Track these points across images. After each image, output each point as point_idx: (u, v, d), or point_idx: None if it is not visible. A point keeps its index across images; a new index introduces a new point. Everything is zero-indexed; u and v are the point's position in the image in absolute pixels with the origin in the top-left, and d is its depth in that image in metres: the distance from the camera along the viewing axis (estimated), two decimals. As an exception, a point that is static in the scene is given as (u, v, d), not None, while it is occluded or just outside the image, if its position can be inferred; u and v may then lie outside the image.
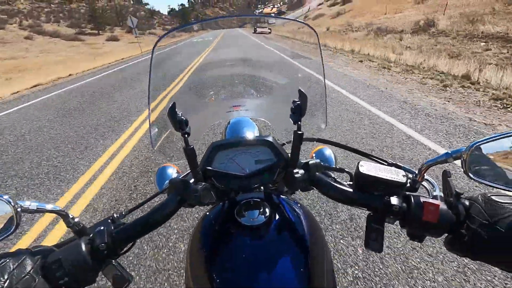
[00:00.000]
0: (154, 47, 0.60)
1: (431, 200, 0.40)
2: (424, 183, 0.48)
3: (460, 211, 0.39)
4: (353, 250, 1.75)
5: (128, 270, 0.52)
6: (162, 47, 0.63)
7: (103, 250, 0.40)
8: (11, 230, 0.39)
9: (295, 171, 0.51)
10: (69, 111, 6.04)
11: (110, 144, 3.95)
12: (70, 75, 12.26)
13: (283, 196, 0.58)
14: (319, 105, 0.72)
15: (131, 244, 0.46)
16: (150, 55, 0.61)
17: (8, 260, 0.34)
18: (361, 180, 0.45)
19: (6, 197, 0.39)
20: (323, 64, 0.67)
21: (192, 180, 0.53)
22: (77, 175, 3.13)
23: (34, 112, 6.16)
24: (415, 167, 0.52)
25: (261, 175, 0.55)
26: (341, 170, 0.57)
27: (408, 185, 0.46)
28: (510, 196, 0.37)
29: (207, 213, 0.57)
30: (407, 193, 0.44)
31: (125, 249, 0.45)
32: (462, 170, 0.41)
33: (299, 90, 0.52)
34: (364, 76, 6.89)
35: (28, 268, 0.35)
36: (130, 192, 2.68)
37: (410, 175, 0.48)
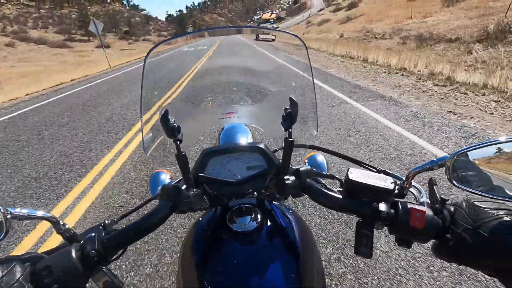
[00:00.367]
0: (146, 57, 0.59)
1: (417, 207, 0.41)
2: (412, 189, 0.48)
3: (446, 216, 0.40)
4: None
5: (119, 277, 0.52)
6: (155, 54, 0.57)
7: (94, 257, 0.40)
8: (0, 237, 0.38)
9: (286, 177, 0.51)
10: None
11: None
12: (26, 95, 8.97)
13: (275, 202, 0.58)
14: (311, 112, 0.71)
15: (122, 250, 0.45)
16: (143, 64, 0.59)
17: None
18: (350, 187, 0.46)
19: None
20: (312, 72, 0.67)
21: (184, 187, 0.53)
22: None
23: None
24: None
25: (252, 182, 0.55)
26: (332, 177, 0.58)
27: (396, 191, 0.46)
28: (492, 201, 0.38)
29: (200, 219, 0.57)
30: (395, 199, 0.45)
31: (115, 255, 0.45)
32: (446, 177, 0.42)
33: (290, 98, 0.53)
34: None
35: (18, 275, 0.35)
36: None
37: (398, 182, 0.48)
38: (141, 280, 1.63)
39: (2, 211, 0.37)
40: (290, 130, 0.52)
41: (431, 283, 1.49)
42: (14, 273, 0.35)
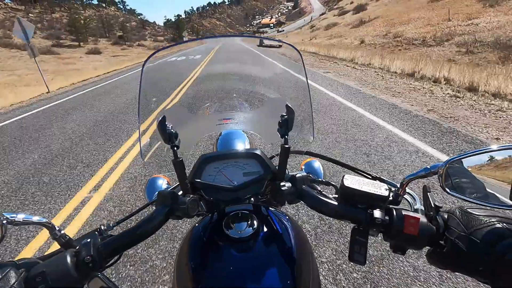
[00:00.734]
0: (144, 64, 0.60)
1: (411, 214, 0.42)
2: (406, 196, 0.49)
3: (439, 223, 0.40)
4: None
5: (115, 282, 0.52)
6: (152, 60, 0.59)
7: (89, 263, 0.39)
8: None
9: (282, 184, 0.52)
10: None
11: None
12: None
13: (271, 208, 0.58)
14: (307, 119, 0.72)
15: (117, 256, 0.45)
16: (140, 70, 0.60)
17: None
18: (345, 193, 0.46)
19: None
20: (307, 79, 0.67)
21: (181, 192, 0.54)
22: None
23: None
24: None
25: (249, 188, 0.56)
26: (327, 183, 0.58)
27: (391, 198, 0.46)
28: (485, 208, 0.39)
29: (196, 225, 0.57)
30: (390, 206, 0.45)
31: (111, 261, 0.44)
32: (439, 184, 0.43)
33: (287, 105, 0.54)
34: None
35: (12, 280, 0.34)
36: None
37: (393, 189, 0.48)
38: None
39: None
40: (286, 136, 0.53)
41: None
42: (8, 278, 0.34)
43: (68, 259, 0.38)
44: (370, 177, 0.54)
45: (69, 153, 3.65)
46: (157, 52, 0.62)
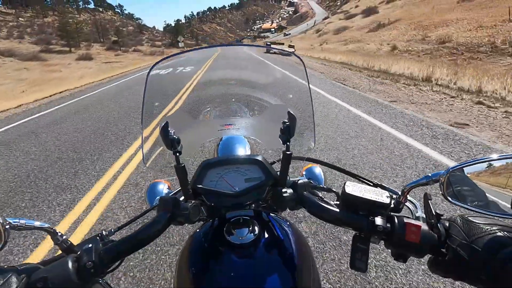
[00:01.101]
0: (149, 72, 0.61)
1: (413, 221, 0.42)
2: (407, 204, 0.49)
3: (441, 231, 0.40)
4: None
5: None
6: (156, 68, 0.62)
7: (90, 268, 0.39)
8: None
9: (283, 190, 0.52)
10: None
11: None
12: None
13: (273, 214, 0.58)
14: (309, 125, 0.72)
15: (118, 262, 0.45)
16: (146, 76, 0.61)
17: None
18: (347, 200, 0.46)
19: None
20: (309, 86, 0.68)
21: (182, 198, 0.54)
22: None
23: None
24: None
25: (250, 194, 0.56)
26: (329, 190, 0.58)
27: (392, 206, 0.46)
28: (486, 217, 0.39)
29: (197, 231, 0.57)
30: (391, 213, 0.45)
31: (112, 267, 0.44)
32: (441, 193, 0.43)
33: (288, 112, 0.53)
34: None
35: (13, 286, 0.35)
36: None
37: (394, 196, 0.48)
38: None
39: (0, 221, 0.37)
40: (288, 143, 0.53)
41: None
42: (9, 284, 0.34)
43: (70, 264, 0.38)
44: (372, 184, 0.54)
45: None
46: (162, 61, 0.63)
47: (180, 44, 42.37)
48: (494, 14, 14.57)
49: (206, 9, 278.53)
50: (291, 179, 0.56)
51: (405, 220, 0.42)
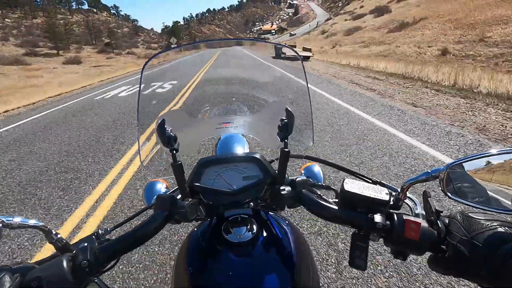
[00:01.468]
0: (142, 69, 0.61)
1: (412, 218, 0.41)
2: (407, 201, 0.48)
3: (441, 228, 0.40)
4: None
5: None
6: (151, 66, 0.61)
7: (85, 267, 0.39)
8: None
9: (282, 188, 0.51)
10: None
11: None
12: None
13: (271, 213, 0.58)
14: (307, 123, 0.72)
15: (114, 261, 0.45)
16: (140, 76, 0.61)
17: None
18: (346, 198, 0.46)
19: None
20: (307, 83, 0.68)
21: (179, 196, 0.53)
22: None
23: None
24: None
25: (248, 192, 0.55)
26: (328, 188, 0.59)
27: (392, 203, 0.46)
28: (486, 212, 0.39)
29: (195, 229, 0.57)
30: (391, 211, 0.45)
31: (108, 266, 0.44)
32: (441, 189, 0.43)
33: (286, 109, 0.54)
34: None
35: (7, 285, 0.34)
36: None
37: (394, 193, 0.48)
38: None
39: None
40: (286, 140, 0.53)
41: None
42: (3, 283, 0.34)
43: (65, 263, 0.38)
44: (371, 181, 0.53)
45: None
46: (156, 56, 0.62)
47: (173, 46, 39.34)
48: None
49: (205, 11, 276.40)
50: (289, 177, 0.55)
51: (405, 217, 0.41)
